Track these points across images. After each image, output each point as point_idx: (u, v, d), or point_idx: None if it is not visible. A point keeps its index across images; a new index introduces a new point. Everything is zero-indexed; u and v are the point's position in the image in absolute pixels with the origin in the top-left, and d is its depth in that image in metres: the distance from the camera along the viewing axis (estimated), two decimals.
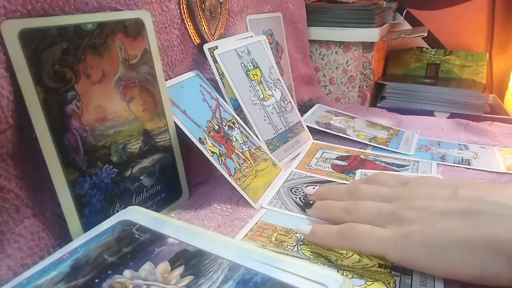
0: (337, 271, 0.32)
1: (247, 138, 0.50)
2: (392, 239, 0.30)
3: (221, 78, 0.51)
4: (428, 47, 1.07)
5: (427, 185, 0.34)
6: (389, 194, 0.35)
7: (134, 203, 0.38)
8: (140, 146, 0.39)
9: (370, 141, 0.60)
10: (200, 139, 0.43)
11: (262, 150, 0.50)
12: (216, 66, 0.51)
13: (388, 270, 0.32)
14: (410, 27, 1.07)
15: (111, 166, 0.36)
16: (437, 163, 0.53)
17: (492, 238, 0.26)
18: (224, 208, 0.43)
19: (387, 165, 0.52)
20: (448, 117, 0.80)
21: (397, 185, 0.36)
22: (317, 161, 0.54)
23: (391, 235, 0.31)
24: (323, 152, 0.57)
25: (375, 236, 0.31)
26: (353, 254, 0.34)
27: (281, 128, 0.55)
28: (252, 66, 0.55)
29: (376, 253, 0.32)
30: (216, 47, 0.51)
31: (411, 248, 0.29)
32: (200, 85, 0.49)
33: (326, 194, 0.40)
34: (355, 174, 0.50)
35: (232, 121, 0.50)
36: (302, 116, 0.63)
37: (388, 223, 0.32)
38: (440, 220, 0.29)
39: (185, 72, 0.49)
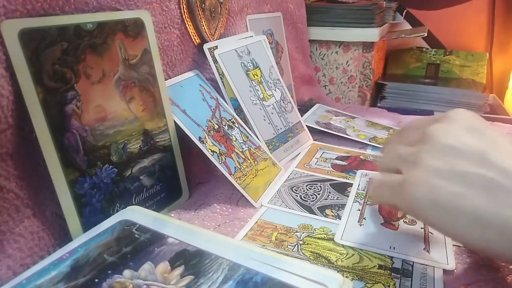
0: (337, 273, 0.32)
1: (247, 137, 0.50)
2: (399, 187, 0.28)
3: (221, 78, 0.51)
4: (428, 47, 1.07)
5: (458, 128, 0.28)
6: (415, 136, 0.31)
7: (134, 203, 0.38)
8: (140, 146, 0.39)
9: (370, 141, 0.60)
10: (200, 138, 0.43)
11: (262, 150, 0.50)
12: (216, 66, 0.51)
13: (388, 272, 0.32)
14: (410, 27, 1.07)
15: (111, 166, 0.36)
16: None
17: (507, 221, 0.24)
18: (224, 208, 0.43)
19: None
20: None
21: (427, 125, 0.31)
22: (317, 161, 0.54)
23: (399, 182, 0.28)
24: (323, 152, 0.57)
25: (386, 184, 0.30)
26: (353, 255, 0.34)
27: (281, 128, 0.55)
28: (252, 66, 0.55)
29: (389, 202, 0.30)
30: (216, 47, 0.51)
31: (418, 199, 0.27)
32: (200, 85, 0.49)
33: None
34: (355, 174, 0.50)
35: (231, 120, 0.50)
36: (302, 116, 0.63)
37: (404, 164, 0.29)
38: (458, 181, 0.26)
39: (185, 72, 0.49)
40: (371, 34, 0.81)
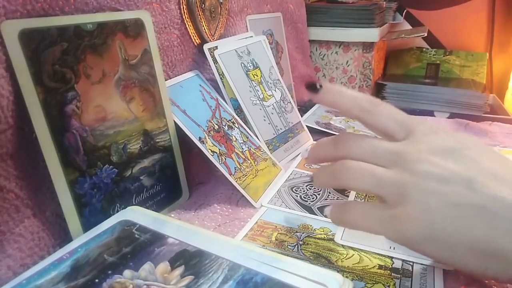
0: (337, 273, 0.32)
1: (247, 138, 0.50)
2: (390, 222, 0.27)
3: (221, 78, 0.51)
4: (428, 47, 1.07)
5: (436, 151, 0.27)
6: (387, 154, 0.28)
7: (134, 203, 0.38)
8: (140, 146, 0.39)
9: None
10: (200, 138, 0.43)
11: (262, 150, 0.50)
12: (216, 66, 0.51)
13: (388, 272, 0.32)
14: (410, 27, 1.07)
15: (111, 166, 0.36)
16: None
17: (505, 250, 0.24)
18: (224, 208, 0.43)
19: None
20: (448, 117, 0.80)
21: (396, 134, 0.30)
22: None
23: (390, 217, 0.27)
24: None
25: (372, 214, 0.28)
26: (353, 255, 0.34)
27: (281, 128, 0.55)
28: (252, 66, 0.55)
29: (375, 232, 0.29)
30: (216, 47, 0.51)
31: (413, 237, 0.26)
32: (200, 85, 0.49)
33: (315, 154, 0.34)
34: None
35: (232, 121, 0.50)
36: (302, 116, 0.63)
37: (388, 195, 0.28)
38: (452, 214, 0.25)
39: (185, 72, 0.49)
40: (371, 34, 0.81)
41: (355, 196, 0.44)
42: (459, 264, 0.26)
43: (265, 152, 0.51)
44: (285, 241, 0.36)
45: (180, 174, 0.44)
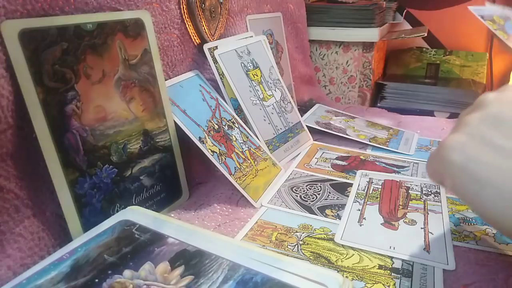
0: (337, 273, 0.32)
1: (247, 137, 0.50)
2: (439, 150, 0.28)
3: (221, 78, 0.51)
4: (428, 47, 1.07)
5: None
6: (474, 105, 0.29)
7: (134, 203, 0.38)
8: (140, 146, 0.39)
9: (370, 141, 0.60)
10: (200, 138, 0.43)
11: (262, 150, 0.50)
12: (216, 66, 0.51)
13: (388, 272, 0.32)
14: (410, 27, 1.07)
15: (111, 166, 0.36)
16: None
17: None
18: (224, 208, 0.43)
19: (386, 166, 0.52)
20: (448, 117, 0.80)
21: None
22: (317, 161, 0.54)
23: (441, 144, 0.28)
24: (323, 152, 0.57)
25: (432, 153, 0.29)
26: (353, 255, 0.34)
27: (281, 128, 0.55)
28: (252, 66, 0.55)
29: (431, 171, 0.30)
30: (216, 47, 0.51)
31: (451, 164, 0.26)
32: (200, 85, 0.49)
33: None
34: (355, 174, 0.50)
35: (232, 120, 0.50)
36: (302, 116, 0.63)
37: (454, 129, 0.28)
38: (493, 153, 0.25)
39: (185, 72, 0.49)
40: (371, 34, 0.81)
41: (355, 196, 0.44)
42: (482, 206, 0.25)
43: (265, 152, 0.51)
44: (285, 241, 0.36)
45: (180, 174, 0.44)
